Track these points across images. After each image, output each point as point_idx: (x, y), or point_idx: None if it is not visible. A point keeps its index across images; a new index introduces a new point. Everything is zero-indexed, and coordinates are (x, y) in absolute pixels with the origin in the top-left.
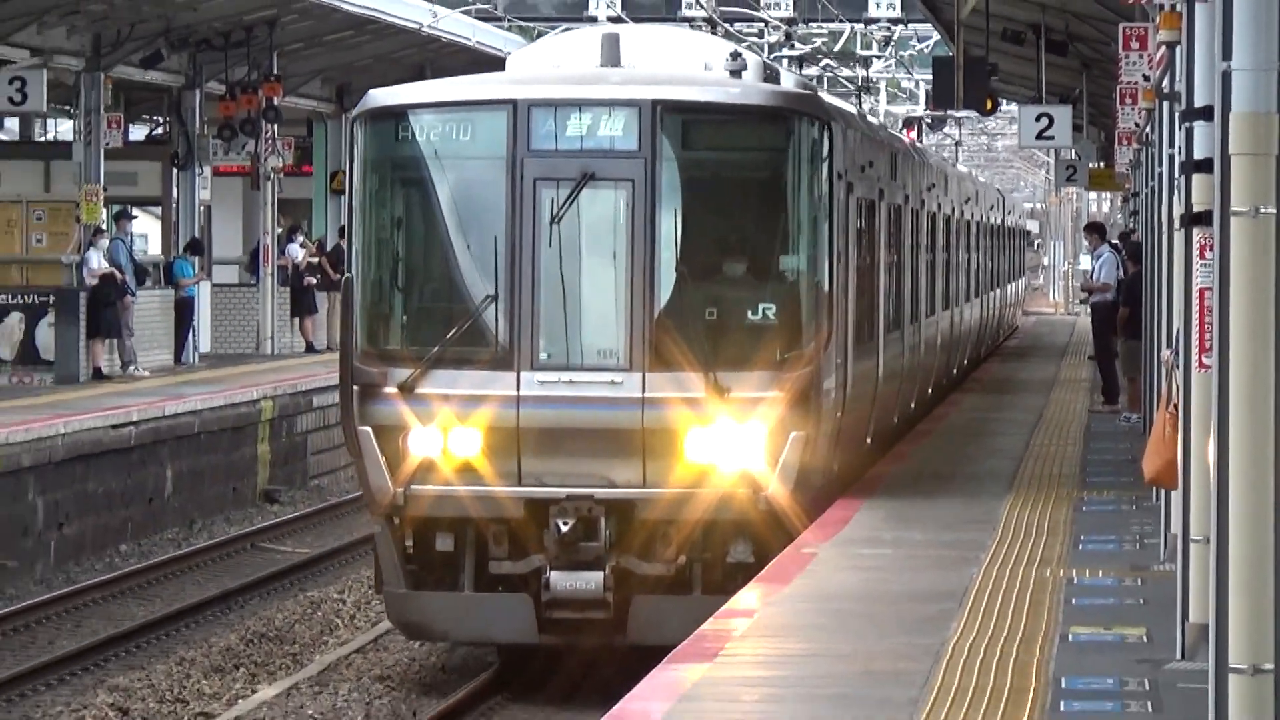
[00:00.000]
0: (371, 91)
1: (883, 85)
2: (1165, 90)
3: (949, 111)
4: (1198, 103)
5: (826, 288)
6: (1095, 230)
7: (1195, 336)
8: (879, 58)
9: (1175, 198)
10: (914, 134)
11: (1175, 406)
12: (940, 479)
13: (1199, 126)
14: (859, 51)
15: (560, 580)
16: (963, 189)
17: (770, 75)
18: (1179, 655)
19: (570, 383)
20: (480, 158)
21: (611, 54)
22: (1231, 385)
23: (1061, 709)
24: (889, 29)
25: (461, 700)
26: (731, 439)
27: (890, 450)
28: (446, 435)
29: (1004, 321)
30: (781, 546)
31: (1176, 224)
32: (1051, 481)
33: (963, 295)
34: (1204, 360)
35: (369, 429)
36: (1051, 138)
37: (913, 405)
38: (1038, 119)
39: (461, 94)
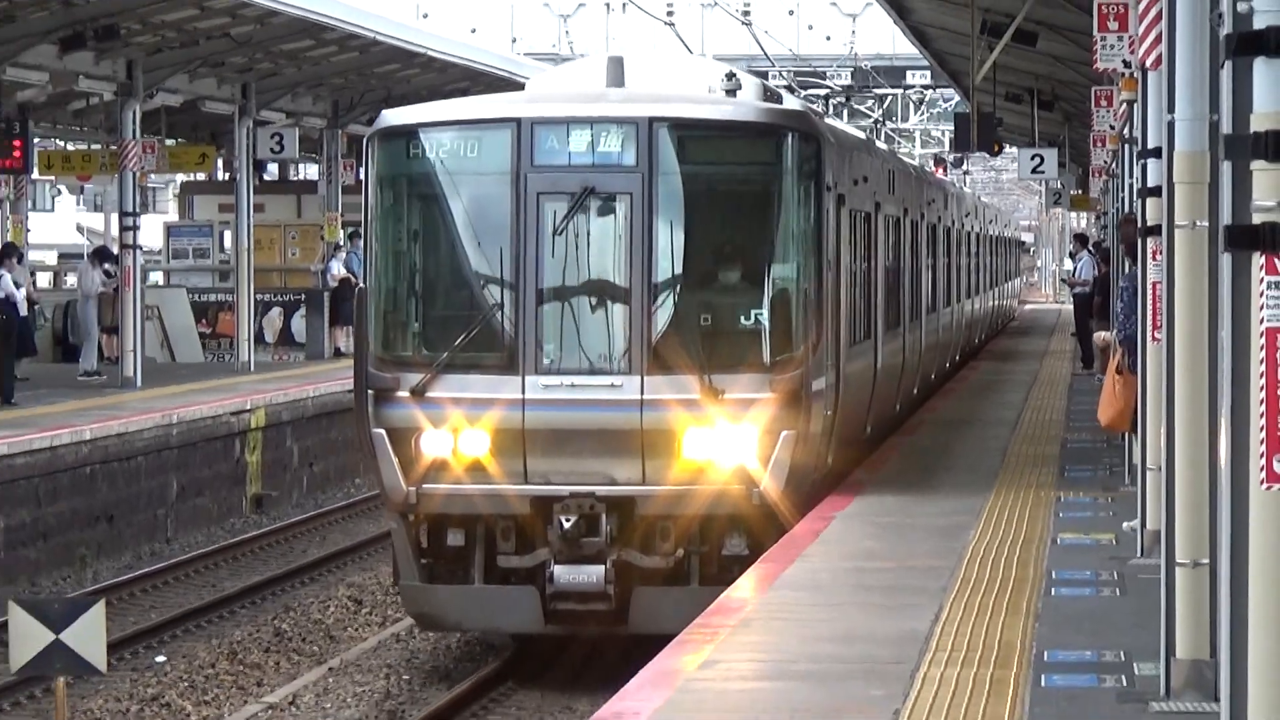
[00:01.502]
0: (384, 111)
1: (917, 134)
2: (1126, 136)
3: (966, 153)
4: (1150, 144)
5: (816, 293)
6: (1079, 239)
7: (1150, 317)
8: (894, 91)
9: (1135, 216)
10: (942, 170)
11: (1118, 371)
12: (964, 424)
13: (1151, 162)
14: (876, 91)
15: (564, 574)
16: (963, 206)
17: (770, 97)
18: (1139, 554)
19: (572, 386)
20: (486, 173)
21: (616, 76)
22: (1176, 352)
23: (1052, 594)
24: (922, 93)
25: (471, 687)
26: (726, 438)
27: (924, 404)
28: (456, 436)
29: (1007, 309)
30: (774, 539)
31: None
32: (1044, 425)
33: (973, 290)
34: (1156, 335)
35: (383, 431)
36: (1043, 172)
37: (915, 390)
38: (1032, 158)
39: (468, 113)
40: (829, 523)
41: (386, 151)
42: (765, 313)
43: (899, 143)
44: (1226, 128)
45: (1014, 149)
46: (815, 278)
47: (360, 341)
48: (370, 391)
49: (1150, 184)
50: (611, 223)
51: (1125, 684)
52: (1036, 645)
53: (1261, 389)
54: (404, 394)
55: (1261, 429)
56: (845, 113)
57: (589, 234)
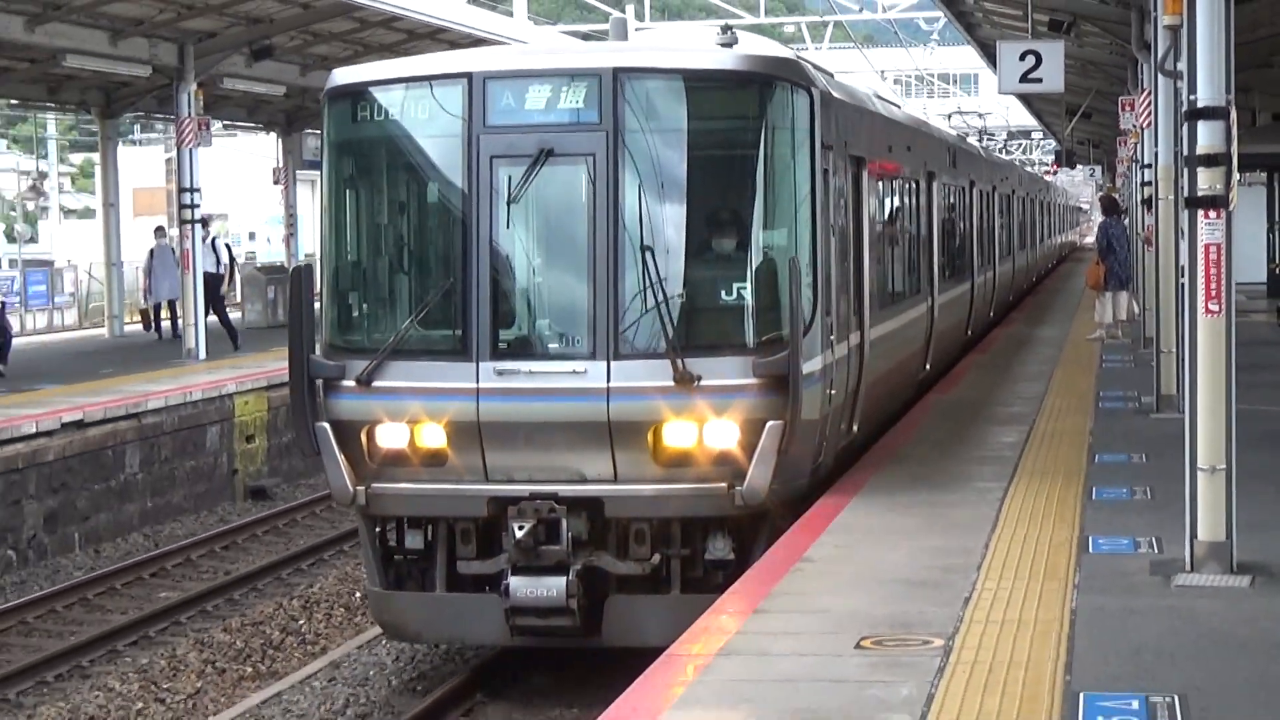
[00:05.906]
0: (335, 70)
1: (1036, 161)
2: (1135, 159)
3: (1060, 167)
4: (1146, 162)
5: (811, 263)
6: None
7: (1143, 240)
8: (1026, 140)
9: (1139, 196)
10: (1049, 174)
11: (1096, 263)
12: (1059, 292)
13: (1147, 170)
14: (1018, 140)
15: (520, 586)
16: (1037, 184)
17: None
18: (1142, 346)
19: (530, 373)
20: (438, 136)
21: (619, 34)
22: (1160, 254)
23: (1103, 365)
24: (1039, 141)
25: (441, 698)
26: (704, 430)
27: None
28: (407, 430)
29: (1073, 243)
30: (765, 540)
31: (1139, 204)
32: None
33: (1058, 231)
34: (1148, 246)
35: (327, 425)
36: (1095, 176)
37: (1027, 286)
38: (1090, 169)
39: (419, 69)
40: (903, 446)
41: (335, 114)
42: (748, 288)
43: (1024, 162)
44: (1185, 153)
45: (1082, 165)
46: (810, 246)
47: (295, 326)
48: (313, 381)
49: (1146, 180)
50: (573, 188)
51: (1138, 406)
52: (1097, 388)
53: (1202, 271)
54: (349, 383)
55: (1202, 288)
56: (1003, 150)
57: (548, 201)
